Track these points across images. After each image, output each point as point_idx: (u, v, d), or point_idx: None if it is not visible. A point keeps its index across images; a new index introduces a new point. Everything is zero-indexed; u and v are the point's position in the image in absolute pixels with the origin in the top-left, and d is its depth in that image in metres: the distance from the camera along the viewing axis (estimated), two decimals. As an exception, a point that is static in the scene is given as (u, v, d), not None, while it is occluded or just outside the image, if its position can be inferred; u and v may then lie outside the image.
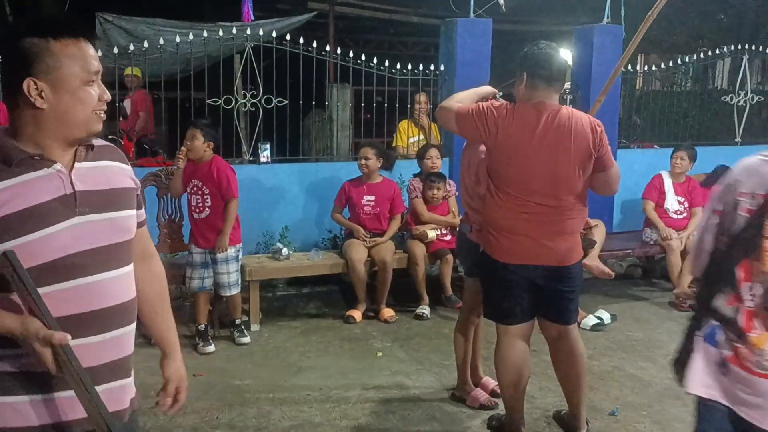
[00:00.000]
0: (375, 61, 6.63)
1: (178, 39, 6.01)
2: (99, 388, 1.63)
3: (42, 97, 1.60)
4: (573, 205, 3.41)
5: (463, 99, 3.60)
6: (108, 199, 1.72)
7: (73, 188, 1.66)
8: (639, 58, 10.60)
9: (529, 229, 3.38)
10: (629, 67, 7.76)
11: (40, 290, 1.56)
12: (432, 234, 5.85)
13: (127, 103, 7.90)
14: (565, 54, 3.46)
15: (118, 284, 1.72)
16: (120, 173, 1.79)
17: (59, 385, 1.62)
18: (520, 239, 3.40)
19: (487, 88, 3.80)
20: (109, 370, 1.72)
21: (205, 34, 6.12)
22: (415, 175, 6.14)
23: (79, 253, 1.64)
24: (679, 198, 6.44)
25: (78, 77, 1.63)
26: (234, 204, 5.01)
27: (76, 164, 1.69)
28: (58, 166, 1.65)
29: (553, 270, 3.45)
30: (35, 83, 1.59)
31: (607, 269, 5.61)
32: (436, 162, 6.01)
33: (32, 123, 1.63)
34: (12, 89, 1.61)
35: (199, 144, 4.98)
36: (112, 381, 1.73)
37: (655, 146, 8.08)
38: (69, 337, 1.54)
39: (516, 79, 3.45)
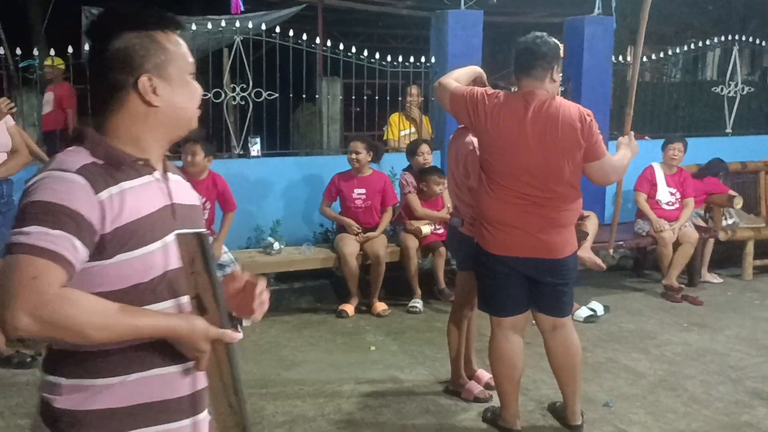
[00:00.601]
0: (365, 53, 6.59)
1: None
2: (201, 415, 1.58)
3: (156, 94, 1.49)
4: (565, 197, 3.40)
5: (459, 77, 3.61)
6: (192, 215, 1.61)
7: (172, 199, 1.55)
8: (629, 49, 10.59)
9: (522, 222, 3.36)
10: (620, 58, 7.75)
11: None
12: (427, 229, 5.83)
13: (49, 97, 7.77)
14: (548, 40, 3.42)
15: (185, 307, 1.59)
16: (190, 188, 1.68)
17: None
18: (513, 231, 3.38)
19: (479, 69, 3.79)
20: (202, 398, 1.61)
21: (193, 27, 6.07)
22: (405, 170, 6.10)
23: (177, 270, 1.50)
24: (671, 189, 6.44)
25: (185, 70, 1.55)
26: (233, 214, 5.17)
27: (168, 174, 1.60)
28: (157, 173, 1.55)
29: (548, 262, 3.44)
30: (150, 80, 1.49)
31: (599, 261, 5.62)
32: (428, 158, 5.98)
33: (141, 123, 1.51)
34: (115, 88, 1.49)
35: (201, 159, 5.03)
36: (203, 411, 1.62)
37: (646, 137, 8.06)
38: (240, 335, 1.49)
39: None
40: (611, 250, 4.85)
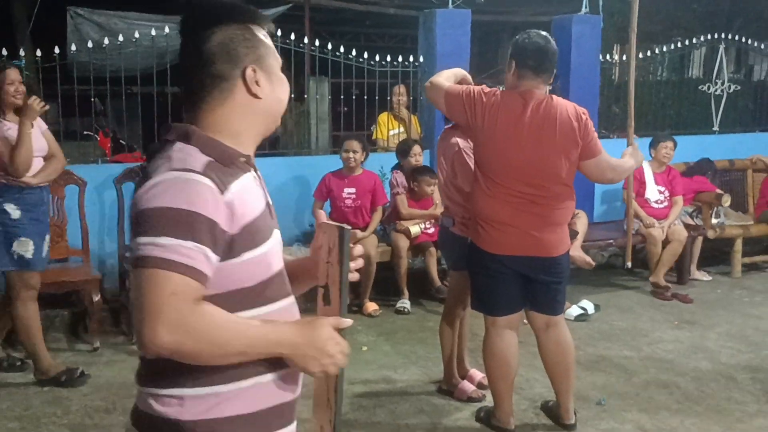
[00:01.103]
0: (353, 53, 6.57)
1: (153, 32, 5.90)
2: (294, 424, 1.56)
3: (259, 86, 1.48)
4: (560, 195, 3.40)
5: (448, 77, 3.59)
6: (274, 215, 1.58)
7: (267, 197, 1.53)
8: (615, 48, 10.63)
9: (517, 220, 3.36)
10: (607, 57, 7.77)
11: (248, 313, 1.43)
12: (416, 230, 5.82)
13: None
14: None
15: (295, 306, 1.60)
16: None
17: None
18: (508, 230, 3.38)
19: (464, 72, 3.77)
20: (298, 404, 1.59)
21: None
22: (395, 168, 6.08)
23: (281, 271, 1.52)
24: (660, 188, 6.46)
25: (279, 64, 1.54)
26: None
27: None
28: (254, 171, 1.52)
29: (542, 261, 3.43)
30: (254, 71, 1.47)
31: (589, 259, 5.64)
32: (419, 158, 5.98)
33: (243, 117, 1.48)
34: (221, 79, 1.46)
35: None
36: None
37: (634, 136, 8.09)
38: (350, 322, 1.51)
39: (504, 67, 3.44)
40: (628, 263, 4.82)
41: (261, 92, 1.48)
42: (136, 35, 5.86)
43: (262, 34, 1.51)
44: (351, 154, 5.74)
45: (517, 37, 3.42)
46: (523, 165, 3.32)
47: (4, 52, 5.26)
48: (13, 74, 4.05)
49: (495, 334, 3.57)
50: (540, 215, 3.38)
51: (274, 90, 1.51)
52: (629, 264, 4.82)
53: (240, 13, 1.49)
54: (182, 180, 1.34)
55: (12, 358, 4.42)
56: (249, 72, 1.46)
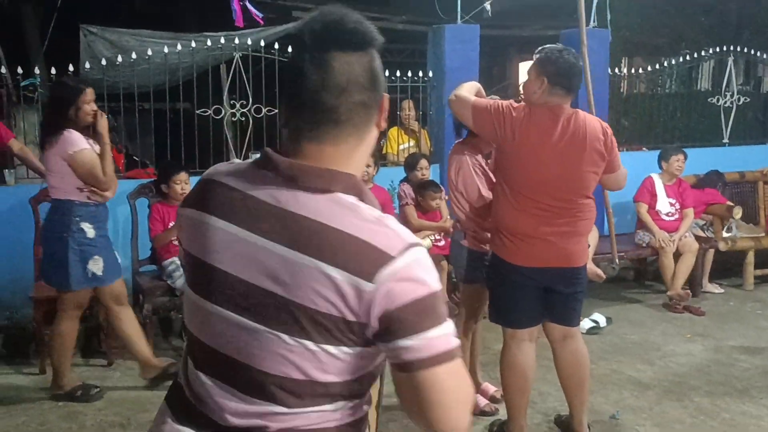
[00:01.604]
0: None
1: (166, 50, 5.96)
2: None
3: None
4: (583, 207, 3.44)
5: (470, 90, 3.59)
6: None
7: None
8: (623, 61, 10.66)
9: (543, 232, 3.37)
10: (617, 70, 7.80)
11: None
12: (426, 243, 5.82)
13: None
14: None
15: None
16: None
17: None
18: (534, 242, 3.39)
19: (478, 85, 3.78)
20: None
21: (193, 44, 6.09)
22: (403, 180, 6.10)
23: None
24: (671, 200, 6.46)
25: None
26: None
27: None
28: None
29: (564, 271, 3.46)
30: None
31: (599, 271, 5.62)
32: (426, 173, 5.99)
33: (367, 152, 1.34)
34: (368, 108, 1.29)
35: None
36: None
37: (644, 149, 8.11)
38: None
39: (511, 81, 3.44)
40: (617, 260, 4.88)
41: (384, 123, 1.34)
42: (149, 53, 5.92)
43: None
44: (365, 169, 5.76)
45: (545, 53, 3.37)
46: (552, 179, 3.34)
47: (19, 70, 5.33)
48: (90, 94, 4.10)
49: (515, 346, 3.56)
50: (565, 227, 3.40)
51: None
52: (617, 261, 4.82)
53: (373, 37, 1.29)
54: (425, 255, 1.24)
55: (87, 386, 4.33)
56: (386, 102, 1.32)
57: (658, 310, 6.11)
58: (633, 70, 8.35)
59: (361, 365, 1.24)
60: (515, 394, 3.62)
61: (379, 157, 6.57)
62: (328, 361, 1.21)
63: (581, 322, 5.31)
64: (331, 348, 1.19)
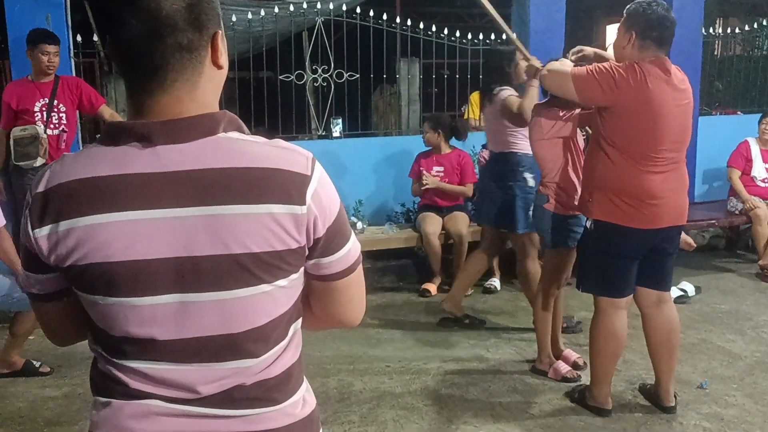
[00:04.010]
0: (445, 32, 6.53)
1: (250, 15, 6.04)
2: None
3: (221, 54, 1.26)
4: (684, 158, 3.39)
5: (564, 64, 3.51)
6: None
7: None
8: (717, 21, 10.16)
9: (664, 189, 3.29)
10: (710, 30, 7.45)
11: None
12: None
13: None
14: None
15: None
16: None
17: None
18: (658, 202, 3.29)
19: (569, 62, 3.68)
20: None
21: (276, 10, 6.14)
22: (483, 147, 6.04)
23: None
24: (767, 165, 6.16)
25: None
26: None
27: None
28: None
29: (673, 230, 3.42)
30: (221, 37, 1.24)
31: (690, 240, 5.43)
32: None
33: (216, 92, 1.26)
34: (188, 49, 1.17)
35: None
36: None
37: (738, 112, 7.75)
38: None
39: (620, 36, 3.31)
40: None
41: (224, 61, 1.23)
42: (233, 18, 6.01)
43: None
44: (424, 135, 5.90)
45: (634, 6, 3.28)
46: (674, 132, 3.28)
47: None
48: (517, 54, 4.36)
49: (614, 314, 3.48)
50: (678, 181, 3.35)
51: (226, 57, 1.25)
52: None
53: None
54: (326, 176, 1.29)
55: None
56: (218, 40, 1.20)
57: (750, 280, 5.88)
58: (729, 30, 7.94)
59: (302, 282, 1.27)
60: (607, 361, 3.56)
61: (461, 123, 6.51)
62: (281, 294, 1.22)
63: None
64: (282, 282, 1.20)
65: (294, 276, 1.22)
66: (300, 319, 1.32)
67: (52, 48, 4.94)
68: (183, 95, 1.18)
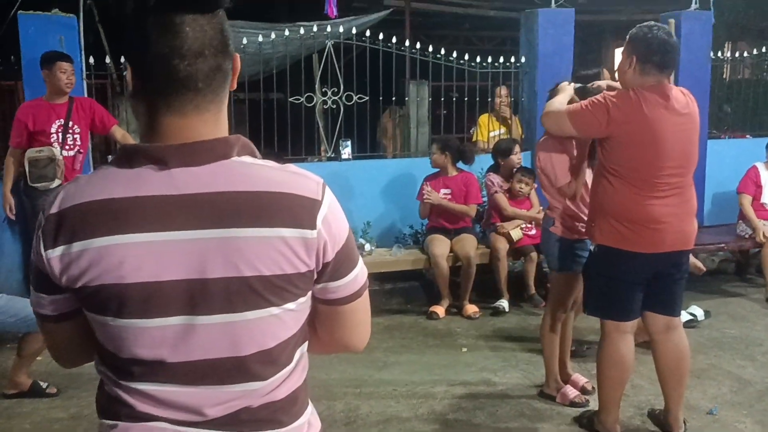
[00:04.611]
0: (454, 55, 6.58)
1: (260, 38, 6.09)
2: None
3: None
4: (691, 183, 3.38)
5: (562, 102, 3.55)
6: None
7: None
8: (726, 45, 10.18)
9: (665, 213, 3.28)
10: (718, 54, 7.46)
11: None
12: (517, 233, 5.77)
13: None
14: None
15: None
16: None
17: None
18: (657, 226, 3.29)
19: (568, 88, 3.71)
20: None
21: (286, 32, 6.20)
22: (489, 170, 6.06)
23: None
24: (776, 190, 6.15)
25: None
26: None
27: None
28: None
29: (679, 255, 3.39)
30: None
31: (699, 263, 5.42)
32: (520, 159, 5.95)
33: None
34: (225, 73, 1.22)
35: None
36: None
37: (747, 136, 7.75)
38: None
39: (623, 61, 3.32)
40: None
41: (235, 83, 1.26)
42: (244, 41, 6.06)
43: None
44: (431, 156, 5.93)
45: (635, 31, 3.29)
46: (675, 157, 3.26)
47: (123, 60, 5.54)
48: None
49: (620, 339, 3.46)
50: (682, 206, 3.33)
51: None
52: None
53: None
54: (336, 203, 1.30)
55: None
56: (237, 63, 1.23)
57: (760, 305, 5.83)
58: (737, 54, 7.96)
59: (309, 305, 1.28)
60: (613, 387, 3.53)
61: (469, 145, 6.54)
62: (289, 317, 1.23)
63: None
64: (290, 305, 1.21)
65: (302, 299, 1.23)
66: (306, 343, 1.32)
67: (69, 66, 5.01)
68: (210, 117, 1.20)
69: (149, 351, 1.19)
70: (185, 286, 1.15)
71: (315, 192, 1.20)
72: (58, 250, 1.17)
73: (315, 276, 1.22)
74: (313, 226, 1.17)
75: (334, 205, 1.23)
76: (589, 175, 3.71)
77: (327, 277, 1.23)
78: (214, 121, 1.20)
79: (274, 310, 1.19)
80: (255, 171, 1.18)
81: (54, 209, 1.19)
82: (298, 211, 1.17)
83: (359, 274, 1.29)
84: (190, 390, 1.21)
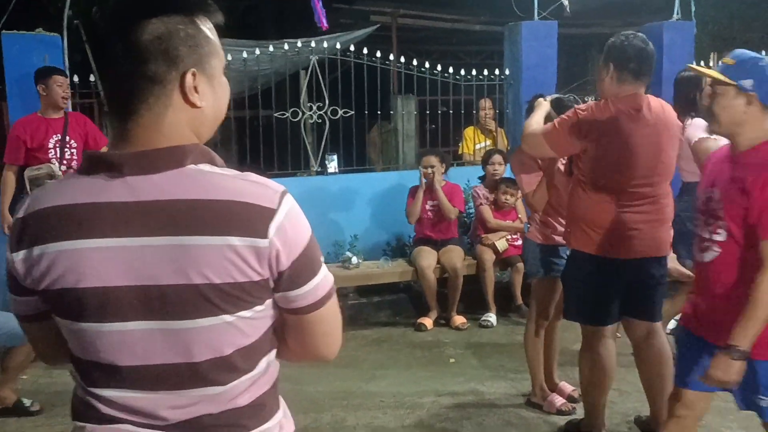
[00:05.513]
0: (439, 68, 6.62)
1: (245, 55, 6.13)
2: None
3: (197, 93, 1.23)
4: (666, 192, 3.39)
5: (538, 121, 3.57)
6: None
7: None
8: (712, 56, 10.28)
9: (634, 220, 3.31)
10: (701, 64, 7.52)
11: None
12: (502, 244, 5.79)
13: None
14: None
15: None
16: None
17: None
18: (626, 232, 3.32)
19: (543, 105, 3.74)
20: None
21: (271, 49, 6.23)
22: (480, 179, 6.09)
23: None
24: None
25: (221, 64, 1.30)
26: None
27: None
28: None
29: (655, 261, 3.40)
30: (194, 76, 1.23)
31: (686, 271, 5.42)
32: (498, 168, 5.95)
33: (190, 126, 1.26)
34: (154, 82, 1.20)
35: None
36: None
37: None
38: None
39: (600, 69, 3.35)
40: None
41: (201, 101, 1.23)
42: (229, 57, 6.09)
43: (208, 28, 1.25)
44: (429, 169, 5.81)
45: (613, 39, 3.33)
46: (645, 166, 3.28)
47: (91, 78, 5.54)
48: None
49: (599, 344, 3.48)
50: (654, 214, 3.34)
51: (217, 97, 1.27)
52: None
53: (184, 1, 1.22)
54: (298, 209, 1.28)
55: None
56: (188, 78, 1.20)
57: (747, 312, 5.84)
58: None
59: (274, 314, 1.27)
60: (596, 393, 3.55)
61: (453, 157, 6.57)
62: (245, 325, 1.22)
63: (668, 325, 5.20)
64: (245, 313, 1.21)
65: (259, 307, 1.23)
66: (274, 351, 1.32)
67: (64, 80, 5.02)
68: (149, 124, 1.21)
69: (107, 355, 1.21)
70: (139, 292, 1.17)
71: (271, 201, 1.19)
72: (21, 254, 1.21)
73: (272, 284, 1.22)
74: (265, 235, 1.17)
75: (293, 213, 1.22)
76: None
77: (285, 285, 1.23)
78: (154, 129, 1.21)
79: (227, 317, 1.19)
80: (211, 179, 1.19)
81: (20, 214, 1.23)
82: (250, 220, 1.17)
83: (321, 282, 1.27)
84: (148, 395, 1.22)
